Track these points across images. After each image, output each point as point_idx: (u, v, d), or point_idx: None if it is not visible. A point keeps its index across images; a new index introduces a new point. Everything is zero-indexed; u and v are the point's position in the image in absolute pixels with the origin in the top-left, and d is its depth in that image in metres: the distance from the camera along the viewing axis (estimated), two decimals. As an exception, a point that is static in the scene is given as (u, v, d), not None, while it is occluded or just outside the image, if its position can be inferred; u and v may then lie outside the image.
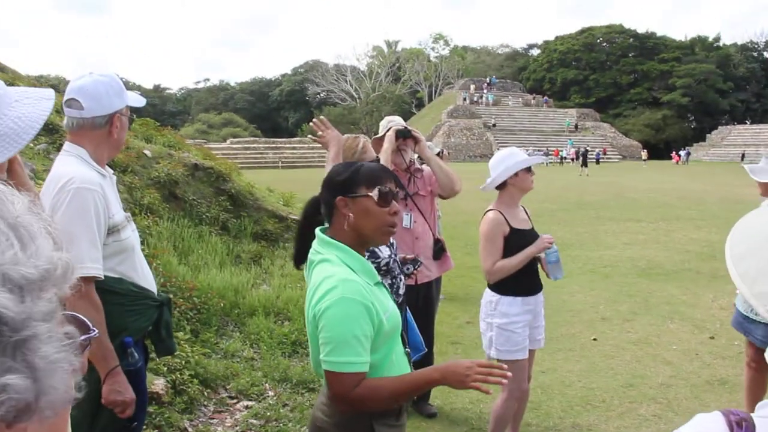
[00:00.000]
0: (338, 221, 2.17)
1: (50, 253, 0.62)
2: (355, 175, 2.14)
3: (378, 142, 4.65)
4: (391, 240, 3.64)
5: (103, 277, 2.43)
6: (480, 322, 4.07)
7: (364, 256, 2.23)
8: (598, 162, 53.98)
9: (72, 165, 2.51)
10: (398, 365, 2.23)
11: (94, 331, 0.74)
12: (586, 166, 41.39)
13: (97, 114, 2.55)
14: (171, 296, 3.09)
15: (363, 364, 2.02)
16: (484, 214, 3.97)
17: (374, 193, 2.11)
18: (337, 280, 2.05)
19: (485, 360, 2.13)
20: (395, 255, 3.57)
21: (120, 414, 2.48)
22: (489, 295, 3.98)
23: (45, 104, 1.85)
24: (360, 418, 2.15)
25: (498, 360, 3.89)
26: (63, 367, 0.61)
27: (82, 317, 0.73)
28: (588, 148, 57.11)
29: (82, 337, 0.71)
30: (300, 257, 2.36)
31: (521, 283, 3.94)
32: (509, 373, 2.03)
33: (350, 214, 2.13)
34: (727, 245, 1.17)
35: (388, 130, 4.57)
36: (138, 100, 2.73)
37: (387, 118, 4.81)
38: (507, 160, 3.90)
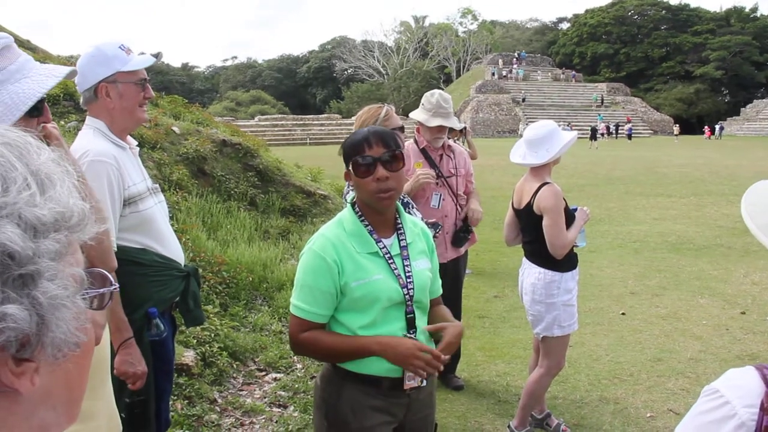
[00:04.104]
0: None
1: (68, 199, 0.65)
2: (345, 147, 2.29)
3: (426, 131, 4.64)
4: (415, 205, 3.66)
5: (115, 249, 2.45)
6: (532, 306, 3.93)
7: (391, 224, 2.33)
8: (629, 137, 53.17)
9: (88, 138, 2.56)
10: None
11: (115, 285, 0.75)
12: (595, 139, 43.32)
13: (85, 88, 2.58)
14: (198, 267, 3.09)
15: (311, 314, 2.21)
16: (539, 188, 3.80)
17: (350, 167, 2.24)
18: (318, 234, 2.30)
19: (426, 345, 2.17)
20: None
21: (131, 386, 2.50)
22: (549, 275, 3.84)
23: (48, 81, 1.81)
24: (335, 375, 2.29)
25: (560, 336, 3.90)
26: (66, 305, 0.63)
27: (103, 271, 0.74)
28: (619, 123, 56.58)
29: (102, 290, 0.73)
30: None
31: (573, 256, 3.95)
32: (441, 366, 2.15)
33: (353, 184, 2.30)
34: (742, 202, 1.24)
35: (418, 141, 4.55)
36: (138, 62, 2.58)
37: (437, 99, 4.58)
38: (558, 135, 3.85)
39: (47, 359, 0.63)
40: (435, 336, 2.31)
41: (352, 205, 2.33)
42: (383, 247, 2.27)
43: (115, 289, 0.75)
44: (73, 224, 0.65)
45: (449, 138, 4.92)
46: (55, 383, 0.67)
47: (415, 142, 4.74)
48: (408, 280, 2.26)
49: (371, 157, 2.19)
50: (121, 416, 2.54)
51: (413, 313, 2.28)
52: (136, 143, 2.82)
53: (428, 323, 2.37)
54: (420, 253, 2.37)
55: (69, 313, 0.63)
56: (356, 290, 2.18)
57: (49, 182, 0.64)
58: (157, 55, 2.66)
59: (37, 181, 0.63)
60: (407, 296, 2.25)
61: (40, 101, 1.82)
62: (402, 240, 2.32)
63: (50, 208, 0.62)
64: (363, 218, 2.28)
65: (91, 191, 1.96)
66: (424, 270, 2.35)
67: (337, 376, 2.28)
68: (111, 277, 0.75)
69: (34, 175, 0.63)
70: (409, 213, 3.52)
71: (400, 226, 2.35)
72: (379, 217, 2.29)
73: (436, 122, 4.53)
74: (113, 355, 2.44)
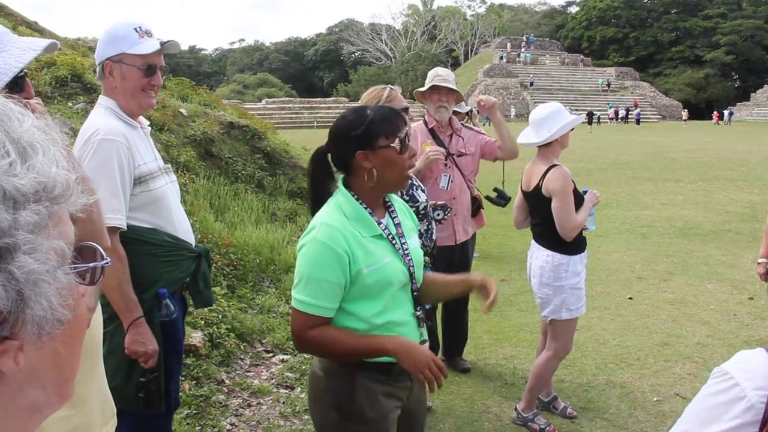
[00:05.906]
0: (358, 174, 2.16)
1: (50, 168, 0.61)
2: (372, 126, 2.12)
3: (421, 96, 4.67)
4: (423, 186, 3.64)
5: (125, 228, 2.45)
6: (540, 289, 3.91)
7: (382, 203, 2.26)
8: (638, 122, 52.89)
9: (99, 117, 2.54)
10: (398, 326, 2.17)
11: (106, 260, 0.71)
12: (591, 124, 44.50)
13: (96, 64, 2.59)
14: (208, 249, 3.08)
15: (321, 308, 2.06)
16: (548, 171, 3.79)
17: (396, 144, 2.11)
18: (319, 222, 2.10)
19: (440, 360, 2.13)
20: (428, 201, 3.59)
21: (143, 364, 2.50)
22: (557, 258, 3.83)
23: (26, 55, 1.72)
24: (344, 366, 2.18)
25: (568, 319, 3.89)
26: (45, 280, 0.60)
27: (93, 244, 0.71)
28: (629, 108, 56.31)
29: (90, 264, 0.69)
30: (317, 208, 2.27)
31: (581, 239, 3.94)
32: (442, 381, 2.11)
33: (373, 168, 2.12)
34: None
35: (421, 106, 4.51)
36: (144, 47, 2.54)
37: (435, 71, 4.67)
38: (560, 115, 3.82)
39: (30, 337, 0.60)
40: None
41: (345, 187, 2.20)
42: (385, 228, 2.19)
43: (106, 263, 0.71)
44: (56, 195, 0.61)
45: (466, 120, 4.90)
46: (42, 362, 0.64)
47: (425, 123, 4.72)
48: (407, 259, 2.21)
49: (407, 134, 2.14)
50: (138, 396, 2.57)
51: (417, 290, 2.24)
52: (148, 123, 2.81)
53: (432, 296, 2.40)
54: (410, 230, 2.33)
55: (50, 288, 0.60)
56: (368, 277, 2.08)
57: (31, 150, 0.61)
58: (167, 43, 2.62)
59: (17, 149, 0.60)
60: (411, 275, 2.21)
61: (21, 77, 1.78)
62: (395, 218, 2.27)
63: (31, 177, 0.59)
64: (360, 200, 2.17)
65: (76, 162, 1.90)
66: (417, 247, 2.31)
67: (346, 367, 2.18)
68: (102, 251, 0.71)
69: (15, 142, 0.60)
70: (413, 194, 3.50)
71: (390, 204, 2.30)
72: (375, 198, 2.20)
73: (431, 84, 4.56)
74: (119, 335, 2.45)
